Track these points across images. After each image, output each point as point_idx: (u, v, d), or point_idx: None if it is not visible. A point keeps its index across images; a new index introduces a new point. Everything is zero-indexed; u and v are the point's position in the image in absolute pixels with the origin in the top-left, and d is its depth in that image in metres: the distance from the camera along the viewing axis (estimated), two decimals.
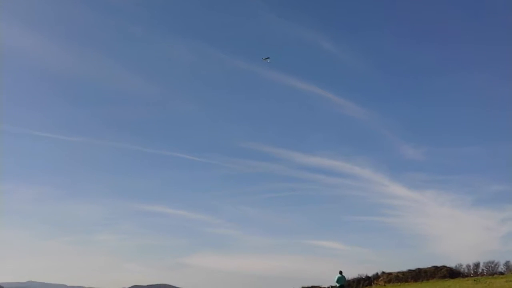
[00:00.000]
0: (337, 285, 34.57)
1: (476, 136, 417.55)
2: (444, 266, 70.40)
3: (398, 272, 72.09)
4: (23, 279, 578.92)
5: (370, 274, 74.76)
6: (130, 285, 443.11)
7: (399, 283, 66.49)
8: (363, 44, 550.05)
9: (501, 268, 68.27)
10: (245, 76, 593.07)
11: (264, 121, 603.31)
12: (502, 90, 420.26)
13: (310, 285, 77.02)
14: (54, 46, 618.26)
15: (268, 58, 51.13)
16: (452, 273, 67.69)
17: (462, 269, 70.76)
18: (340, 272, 35.02)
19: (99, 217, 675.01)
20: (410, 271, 71.14)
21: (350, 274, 74.97)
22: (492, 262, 69.75)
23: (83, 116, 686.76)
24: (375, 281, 71.72)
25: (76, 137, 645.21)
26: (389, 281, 69.37)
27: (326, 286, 69.34)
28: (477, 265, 70.23)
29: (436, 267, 70.23)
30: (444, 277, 65.79)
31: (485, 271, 68.75)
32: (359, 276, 74.60)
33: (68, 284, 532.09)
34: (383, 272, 74.03)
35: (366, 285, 70.43)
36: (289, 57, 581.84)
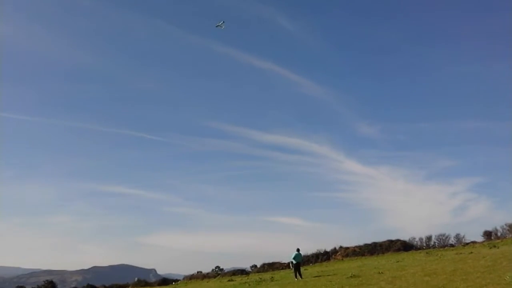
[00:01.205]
0: (295, 261, 35.08)
1: (427, 113, 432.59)
2: (398, 240, 72.73)
3: (355, 247, 73.93)
4: None
5: (328, 249, 76.27)
6: (90, 266, 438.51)
7: (356, 257, 68.30)
8: (321, 22, 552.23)
9: (452, 240, 71.18)
10: (200, 54, 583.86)
11: (222, 99, 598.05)
12: (456, 67, 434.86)
13: (270, 261, 77.92)
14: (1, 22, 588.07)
15: (222, 22, 47.73)
16: (406, 246, 70.09)
17: (415, 242, 73.31)
18: (298, 250, 35.56)
19: (52, 198, 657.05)
20: (366, 245, 73.06)
21: (309, 249, 76.40)
22: (443, 235, 72.60)
23: (33, 94, 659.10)
24: (333, 256, 73.30)
25: (27, 116, 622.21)
26: (347, 255, 71.14)
27: (286, 261, 70.24)
28: (429, 238, 72.89)
29: (390, 241, 72.43)
30: (398, 250, 68.07)
31: (436, 243, 71.47)
32: (318, 251, 75.98)
33: (24, 266, 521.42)
34: (341, 247, 75.70)
35: (325, 260, 71.91)
36: (247, 35, 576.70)
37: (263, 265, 76.93)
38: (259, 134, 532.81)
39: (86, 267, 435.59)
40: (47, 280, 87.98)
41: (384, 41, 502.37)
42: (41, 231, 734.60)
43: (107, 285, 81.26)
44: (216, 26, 48.24)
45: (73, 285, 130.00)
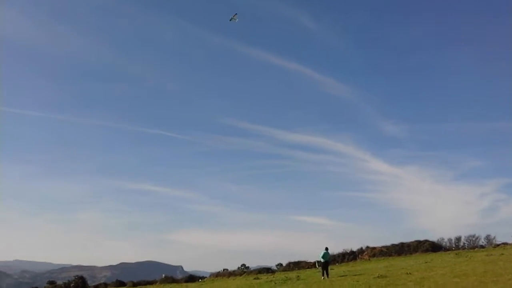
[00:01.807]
0: (323, 260, 35.04)
1: (456, 113, 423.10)
2: (426, 240, 71.59)
3: (382, 247, 73.14)
4: (10, 257, 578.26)
5: (354, 249, 75.69)
6: (118, 263, 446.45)
7: (383, 257, 67.58)
8: (343, 21, 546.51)
9: (482, 241, 69.70)
10: (225, 53, 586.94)
11: (245, 98, 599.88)
12: (484, 67, 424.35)
13: (296, 260, 77.86)
14: (28, 20, 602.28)
15: (235, 15, 47.09)
16: (434, 247, 68.94)
17: (444, 243, 72.09)
18: (326, 248, 35.48)
19: (82, 194, 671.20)
20: (393, 245, 72.22)
21: (335, 249, 75.94)
22: (473, 236, 71.18)
23: (64, 94, 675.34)
24: (359, 256, 72.72)
25: (58, 114, 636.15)
26: (373, 255, 70.44)
27: (312, 261, 70.12)
28: (458, 239, 71.57)
29: (418, 241, 71.36)
30: (426, 251, 67.03)
31: (466, 244, 70.13)
32: (344, 251, 75.48)
33: (54, 262, 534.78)
34: (368, 247, 75.02)
35: (351, 260, 71.42)
36: (269, 34, 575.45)
37: (289, 264, 76.90)
38: (283, 133, 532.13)
39: (114, 263, 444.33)
40: (77, 275, 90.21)
41: (410, 41, 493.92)
42: (71, 227, 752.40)
43: (135, 281, 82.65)
44: (230, 20, 47.94)
45: (102, 281, 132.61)
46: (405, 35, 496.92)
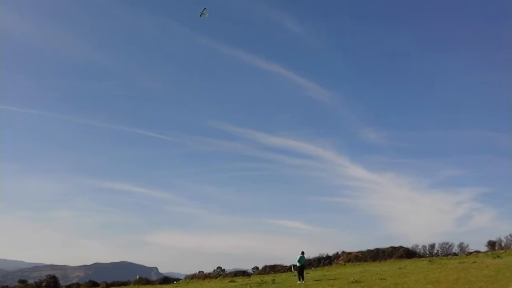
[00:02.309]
0: (298, 264, 35.10)
1: (435, 121, 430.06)
2: (401, 247, 72.60)
3: (358, 252, 73.85)
4: None
5: (330, 254, 76.25)
6: (91, 263, 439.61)
7: (358, 263, 68.11)
8: (328, 25, 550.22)
9: (455, 249, 71.04)
10: (209, 55, 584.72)
11: (228, 101, 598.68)
12: (466, 75, 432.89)
13: (272, 263, 77.91)
14: (10, 14, 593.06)
15: (204, 9, 46.16)
16: (408, 253, 69.90)
17: (418, 250, 73.17)
18: (302, 253, 35.56)
19: (57, 193, 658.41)
20: (369, 251, 72.98)
21: (311, 253, 76.33)
22: (447, 244, 72.48)
23: (40, 88, 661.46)
24: (335, 261, 73.22)
25: (33, 110, 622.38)
26: (349, 261, 71.00)
27: (288, 264, 70.22)
28: (432, 246, 72.76)
29: (393, 247, 72.29)
30: (401, 257, 67.87)
31: (440, 252, 71.28)
32: (320, 255, 75.94)
33: (26, 260, 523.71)
34: (343, 252, 75.66)
35: (327, 264, 71.80)
36: (254, 37, 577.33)
37: (265, 267, 76.90)
38: (264, 136, 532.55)
39: (88, 263, 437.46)
40: (49, 275, 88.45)
41: (392, 47, 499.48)
42: (44, 226, 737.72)
43: (108, 281, 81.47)
44: (200, 16, 47.12)
45: (75, 281, 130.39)
46: (389, 41, 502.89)
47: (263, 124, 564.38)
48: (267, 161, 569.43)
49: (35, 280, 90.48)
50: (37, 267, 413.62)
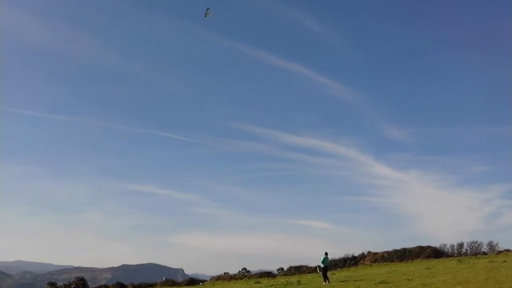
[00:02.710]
0: (322, 265, 34.83)
1: (461, 117, 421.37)
2: (428, 246, 71.44)
3: (384, 252, 73.02)
4: (11, 258, 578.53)
5: (356, 254, 75.62)
6: (119, 265, 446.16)
7: (384, 263, 67.32)
8: (348, 23, 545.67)
9: (485, 248, 69.58)
10: (230, 55, 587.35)
11: (249, 101, 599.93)
12: (490, 71, 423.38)
13: (297, 264, 77.73)
14: (37, 24, 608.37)
15: (207, 9, 47.10)
16: (436, 253, 68.75)
17: (446, 249, 71.92)
18: (326, 254, 35.23)
19: (85, 196, 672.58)
20: (395, 251, 72.08)
21: (336, 254, 76.00)
22: (476, 242, 71.03)
23: (68, 95, 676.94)
24: (361, 261, 72.55)
25: (61, 115, 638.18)
26: (375, 261, 70.23)
27: (313, 265, 69.94)
28: (461, 245, 71.41)
29: (421, 247, 71.21)
30: (428, 257, 66.80)
31: (468, 251, 69.91)
32: (345, 256, 75.41)
33: (55, 263, 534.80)
34: (369, 252, 74.93)
35: (352, 265, 71.20)
36: (274, 36, 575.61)
37: (290, 268, 76.78)
38: (286, 136, 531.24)
39: (115, 265, 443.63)
40: (78, 277, 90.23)
41: (415, 43, 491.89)
42: (73, 229, 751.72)
43: (135, 283, 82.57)
44: (205, 16, 48.21)
45: (103, 283, 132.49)
46: (410, 37, 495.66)
47: (285, 124, 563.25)
48: (289, 161, 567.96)
49: (64, 282, 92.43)
50: (66, 270, 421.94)
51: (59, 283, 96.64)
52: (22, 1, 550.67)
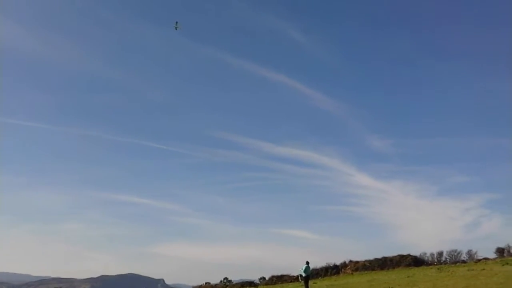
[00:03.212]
0: (304, 274, 34.74)
1: (442, 128, 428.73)
2: (409, 255, 71.83)
3: (365, 261, 73.13)
4: None
5: (337, 263, 75.54)
6: (98, 275, 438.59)
7: (366, 271, 67.49)
8: (332, 34, 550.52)
9: (464, 256, 70.13)
10: (214, 65, 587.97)
11: (233, 111, 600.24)
12: (474, 82, 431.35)
13: (279, 273, 77.36)
14: (20, 30, 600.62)
15: (176, 23, 50.71)
16: (416, 261, 69.17)
17: (426, 258, 72.38)
18: (307, 262, 35.17)
19: (63, 205, 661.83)
20: (376, 260, 72.27)
21: (317, 263, 75.76)
22: (455, 251, 71.61)
23: (48, 102, 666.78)
24: (342, 270, 72.55)
25: (39, 123, 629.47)
26: (356, 270, 70.33)
27: (295, 274, 69.76)
28: (440, 254, 71.96)
29: (401, 256, 71.57)
30: (409, 265, 67.17)
31: (448, 259, 70.47)
32: (327, 265, 75.28)
33: (33, 274, 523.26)
34: (351, 261, 74.95)
35: (334, 274, 71.20)
36: (259, 47, 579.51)
37: (272, 278, 76.36)
38: (270, 146, 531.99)
39: (95, 276, 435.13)
40: None
41: (398, 54, 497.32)
42: (51, 239, 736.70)
43: None
44: (176, 29, 51.51)
45: None
46: (394, 48, 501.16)
47: (270, 134, 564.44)
48: (273, 171, 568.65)
49: None
50: (43, 281, 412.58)
51: None
52: (6, 7, 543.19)
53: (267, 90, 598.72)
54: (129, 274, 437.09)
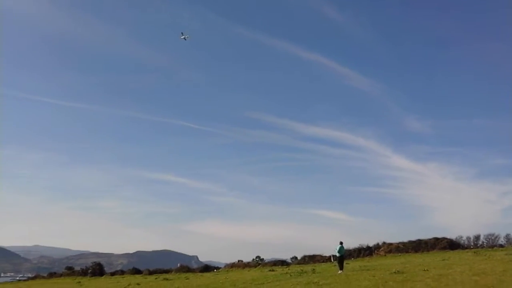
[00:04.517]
0: (338, 254, 34.85)
1: (481, 109, 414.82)
2: (444, 238, 70.70)
3: (399, 243, 72.50)
4: (29, 243, 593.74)
5: (371, 244, 75.24)
6: (134, 251, 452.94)
7: (399, 254, 67.04)
8: (369, 12, 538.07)
9: (502, 241, 68.49)
10: (248, 45, 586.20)
11: (266, 91, 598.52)
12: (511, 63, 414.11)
13: (311, 253, 77.82)
14: (57, 11, 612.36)
15: (183, 34, 52.81)
16: (452, 245, 68.06)
17: (462, 241, 71.09)
18: (341, 243, 35.21)
19: (102, 183, 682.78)
20: (410, 242, 71.53)
21: (350, 244, 75.72)
22: (493, 235, 69.98)
23: (87, 83, 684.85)
24: (375, 251, 72.26)
25: (80, 103, 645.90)
26: (390, 252, 69.91)
27: (327, 255, 69.98)
28: (477, 238, 70.47)
29: (436, 239, 70.52)
30: (444, 248, 66.21)
31: (485, 243, 69.03)
32: (360, 246, 75.14)
33: (73, 248, 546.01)
34: (384, 243, 74.48)
35: (367, 255, 71.05)
36: (294, 26, 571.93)
37: (304, 257, 76.95)
38: (304, 126, 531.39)
39: (131, 251, 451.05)
40: (94, 262, 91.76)
41: (437, 34, 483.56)
42: (90, 215, 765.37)
43: (151, 269, 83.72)
44: (185, 39, 53.34)
45: (119, 268, 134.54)
46: (432, 29, 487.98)
47: (304, 114, 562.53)
48: (307, 152, 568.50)
49: (81, 267, 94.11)
50: (83, 255, 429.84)
51: (76, 268, 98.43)
52: None
53: (301, 69, 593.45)
54: (164, 250, 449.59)
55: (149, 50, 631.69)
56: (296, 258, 79.64)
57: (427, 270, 28.53)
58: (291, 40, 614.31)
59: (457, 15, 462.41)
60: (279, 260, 78.12)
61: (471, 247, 67.76)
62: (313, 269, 41.29)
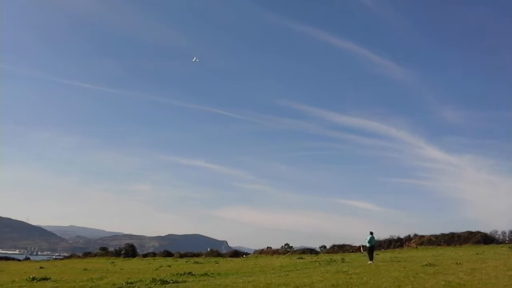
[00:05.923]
0: (368, 245, 34.66)
1: None
2: (478, 232, 69.09)
3: (431, 235, 71.30)
4: (65, 223, 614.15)
5: (402, 236, 74.31)
6: (166, 234, 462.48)
7: (431, 246, 66.03)
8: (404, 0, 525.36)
9: None
10: (280, 32, 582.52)
11: (298, 79, 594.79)
12: None
13: (341, 243, 77.57)
14: (96, 2, 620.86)
15: (195, 59, 59.50)
16: (486, 239, 66.47)
17: (497, 236, 69.35)
18: (371, 233, 35.02)
19: (134, 167, 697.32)
20: (443, 235, 70.25)
21: (381, 235, 75.06)
22: None
23: (121, 69, 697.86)
24: (406, 243, 71.37)
25: (115, 89, 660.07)
26: (421, 244, 68.91)
27: (357, 245, 69.69)
28: None
29: (470, 232, 69.00)
30: (478, 242, 64.77)
31: None
32: (391, 237, 74.34)
33: (107, 229, 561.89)
34: (415, 235, 73.43)
35: (397, 247, 70.32)
36: (326, 13, 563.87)
37: (333, 246, 76.76)
38: (335, 115, 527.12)
39: (162, 234, 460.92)
40: (127, 243, 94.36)
41: (474, 24, 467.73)
42: (123, 198, 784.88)
43: (181, 252, 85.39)
44: (193, 61, 57.86)
45: (150, 250, 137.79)
46: (469, 18, 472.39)
47: (334, 103, 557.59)
48: (337, 141, 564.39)
49: (115, 248, 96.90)
50: (116, 236, 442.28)
51: (110, 249, 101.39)
52: None
53: (333, 57, 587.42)
54: (194, 234, 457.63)
55: (182, 37, 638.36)
56: (325, 247, 79.54)
57: (459, 263, 28.03)
58: (323, 27, 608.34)
59: (494, 4, 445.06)
60: (308, 248, 78.25)
61: (506, 242, 66.05)
62: (343, 259, 41.21)
